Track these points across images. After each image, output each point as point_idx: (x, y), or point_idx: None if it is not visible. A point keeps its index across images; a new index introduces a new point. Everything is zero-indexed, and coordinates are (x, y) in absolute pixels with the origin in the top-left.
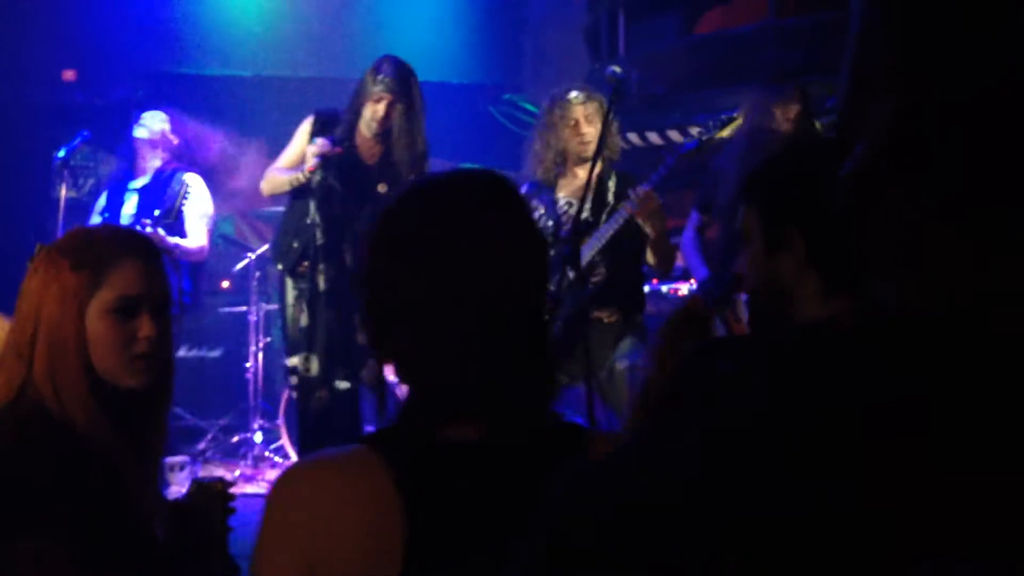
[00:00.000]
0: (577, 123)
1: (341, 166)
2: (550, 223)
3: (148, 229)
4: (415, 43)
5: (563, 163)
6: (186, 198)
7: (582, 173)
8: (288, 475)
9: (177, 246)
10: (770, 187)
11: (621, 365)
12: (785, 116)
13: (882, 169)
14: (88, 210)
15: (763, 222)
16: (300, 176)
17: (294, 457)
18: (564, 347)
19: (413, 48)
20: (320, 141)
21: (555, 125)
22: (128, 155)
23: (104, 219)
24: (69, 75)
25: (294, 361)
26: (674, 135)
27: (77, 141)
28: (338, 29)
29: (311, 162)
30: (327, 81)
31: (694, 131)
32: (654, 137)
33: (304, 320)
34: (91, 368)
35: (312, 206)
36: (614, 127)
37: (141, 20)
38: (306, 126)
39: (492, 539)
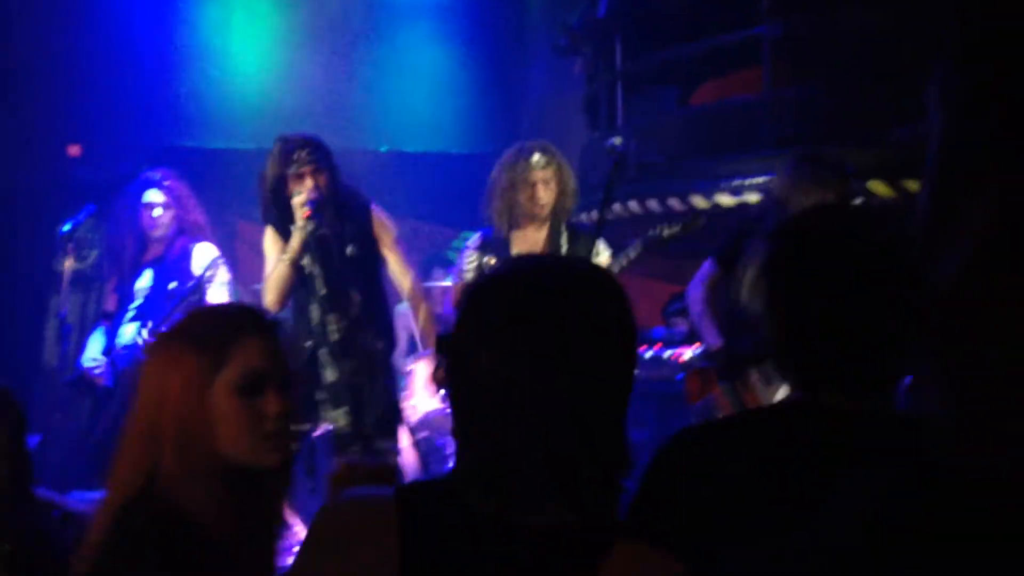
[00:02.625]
0: (535, 185)
1: (338, 213)
2: None
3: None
4: (416, 115)
5: (517, 218)
6: (211, 281)
7: (532, 231)
8: (323, 512)
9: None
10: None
11: None
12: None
13: (987, 269)
14: (91, 281)
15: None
16: (296, 232)
17: None
18: None
19: (414, 119)
20: (305, 192)
21: (513, 184)
22: (134, 229)
23: (119, 295)
24: (74, 150)
25: (333, 416)
26: (674, 203)
27: (82, 215)
28: (340, 102)
29: (304, 209)
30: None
31: (663, 230)
32: (654, 205)
33: (331, 375)
34: (217, 452)
35: (308, 259)
36: (570, 186)
37: (145, 95)
38: (269, 233)
39: None
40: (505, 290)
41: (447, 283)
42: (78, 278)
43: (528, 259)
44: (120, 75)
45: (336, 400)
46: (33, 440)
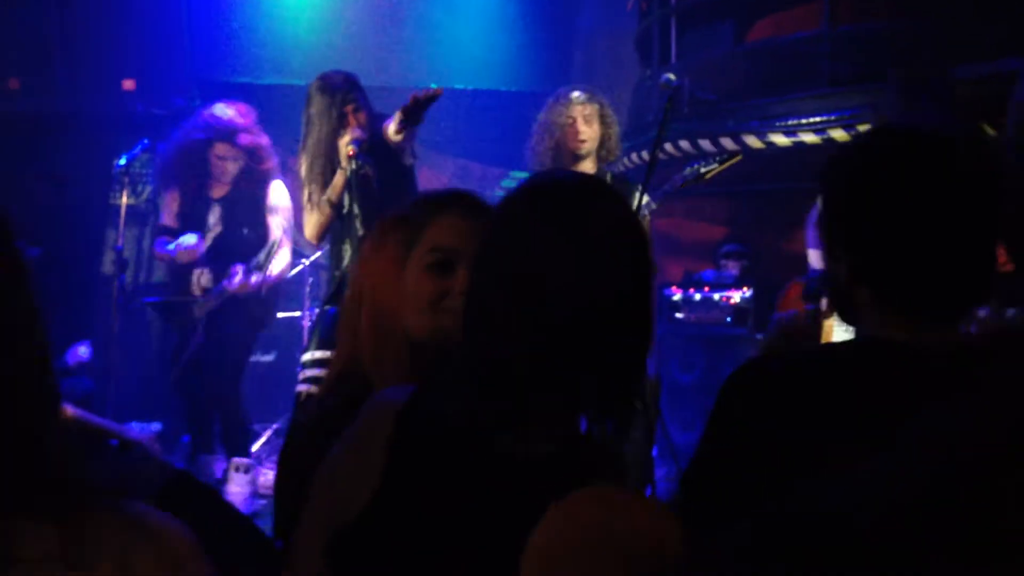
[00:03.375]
0: (574, 121)
1: (374, 153)
2: None
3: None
4: (466, 51)
5: (559, 158)
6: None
7: (577, 170)
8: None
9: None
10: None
11: None
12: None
13: None
14: (145, 216)
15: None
16: (340, 172)
17: None
18: None
19: (463, 56)
20: (348, 133)
21: (554, 122)
22: (197, 163)
23: (181, 232)
24: (129, 84)
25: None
26: (727, 143)
27: (137, 149)
28: (390, 38)
29: (349, 148)
30: (379, 90)
31: (700, 168)
32: (706, 145)
33: None
34: (405, 329)
35: (347, 198)
36: (613, 129)
37: (198, 31)
38: (303, 165)
39: (452, 532)
40: (528, 196)
41: None
42: (133, 212)
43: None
44: (173, 10)
45: None
46: (87, 382)
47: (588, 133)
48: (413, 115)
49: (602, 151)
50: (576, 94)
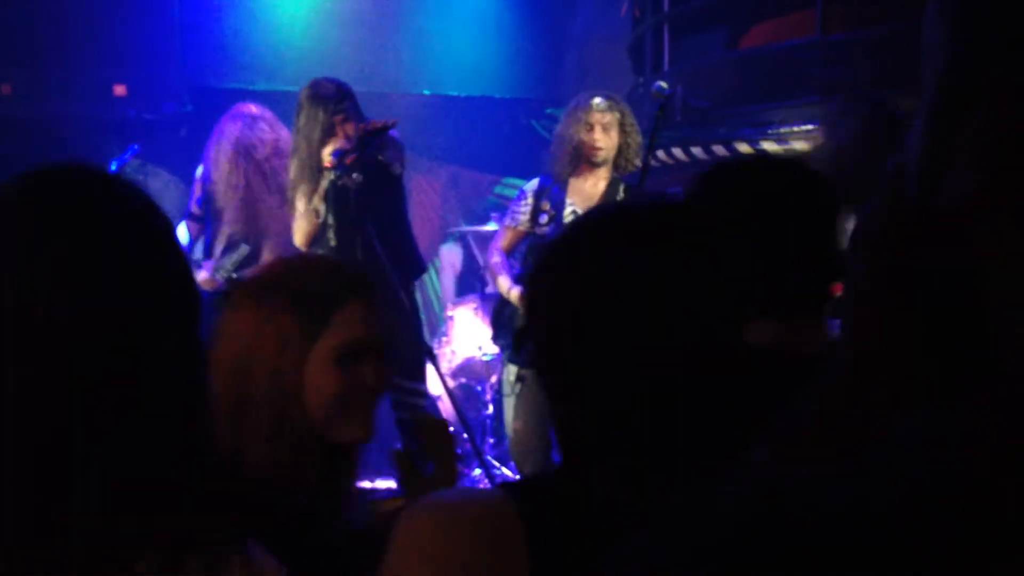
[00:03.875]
0: (592, 128)
1: (356, 166)
2: (556, 231)
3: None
4: (458, 58)
5: (576, 164)
6: None
7: (591, 179)
8: (419, 519)
9: None
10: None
11: None
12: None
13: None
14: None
15: None
16: (322, 181)
17: None
18: None
19: (456, 62)
20: (332, 143)
21: (573, 128)
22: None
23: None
24: (120, 90)
25: None
26: (719, 150)
27: (128, 155)
28: (383, 45)
29: (327, 160)
30: (372, 96)
31: None
32: (698, 152)
33: None
34: (307, 419)
35: (325, 208)
36: (633, 139)
37: (190, 36)
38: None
39: None
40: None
41: (492, 227)
42: None
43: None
44: (165, 16)
45: None
46: None
47: (605, 142)
48: (362, 144)
49: (620, 160)
50: (597, 101)
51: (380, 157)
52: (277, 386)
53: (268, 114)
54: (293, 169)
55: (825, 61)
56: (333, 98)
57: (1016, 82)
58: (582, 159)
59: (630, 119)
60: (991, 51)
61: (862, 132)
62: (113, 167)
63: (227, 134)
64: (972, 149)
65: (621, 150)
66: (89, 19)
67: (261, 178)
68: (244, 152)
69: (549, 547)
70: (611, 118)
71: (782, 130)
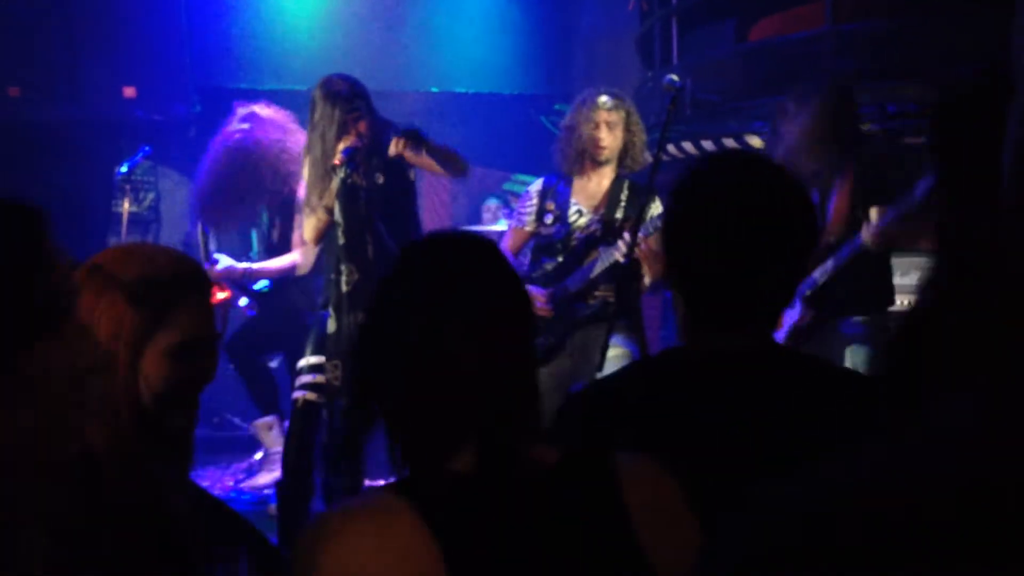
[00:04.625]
0: (597, 126)
1: (378, 163)
2: (561, 230)
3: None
4: (466, 55)
5: (581, 161)
6: None
7: (595, 178)
8: (321, 531)
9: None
10: None
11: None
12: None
13: None
14: (148, 223)
15: None
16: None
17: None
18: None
19: (464, 60)
20: (343, 142)
21: (578, 125)
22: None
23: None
24: (129, 92)
25: (312, 361)
26: (729, 143)
27: (139, 156)
28: (390, 42)
29: (337, 157)
30: (380, 94)
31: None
32: (709, 146)
33: (332, 326)
34: (137, 406)
35: (336, 207)
36: (639, 137)
37: (198, 37)
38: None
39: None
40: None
41: (501, 227)
42: (135, 220)
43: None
44: (174, 18)
45: (330, 352)
46: None
47: (609, 141)
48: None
49: (626, 159)
50: (603, 99)
51: (396, 159)
52: (110, 368)
53: (280, 115)
54: (307, 167)
55: (835, 52)
56: (346, 96)
57: None
58: (587, 157)
59: (635, 117)
60: None
61: (822, 116)
62: (124, 168)
63: (223, 136)
64: None
65: (626, 148)
66: (98, 21)
67: (248, 176)
68: (233, 151)
69: (452, 530)
70: (616, 116)
71: None
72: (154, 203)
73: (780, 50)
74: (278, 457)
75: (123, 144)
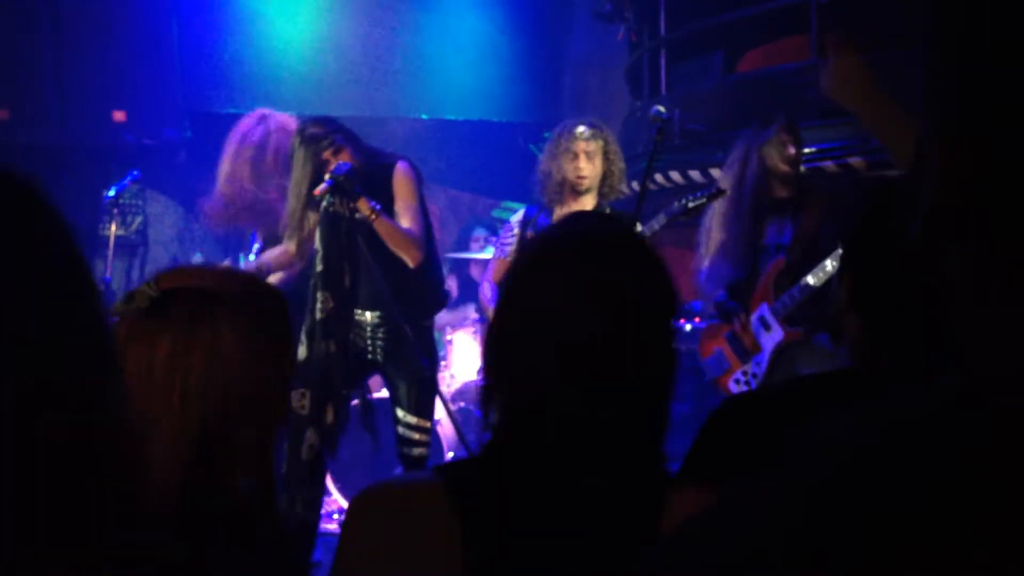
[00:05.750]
0: (577, 157)
1: (351, 192)
2: None
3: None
4: (456, 83)
5: (561, 192)
6: None
7: (576, 207)
8: (354, 505)
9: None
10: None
11: None
12: (783, 159)
13: (937, 230)
14: (135, 247)
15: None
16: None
17: None
18: None
19: (454, 87)
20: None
21: (557, 154)
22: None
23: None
24: (119, 116)
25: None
26: (716, 173)
27: (127, 180)
28: (381, 69)
29: (322, 186)
30: (370, 120)
31: (687, 202)
32: (696, 175)
33: (302, 352)
34: None
35: (316, 235)
36: (617, 166)
37: (189, 62)
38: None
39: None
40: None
41: (487, 255)
42: (122, 243)
43: (574, 222)
44: (164, 42)
45: (298, 379)
46: None
47: (589, 170)
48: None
49: (604, 187)
50: (580, 129)
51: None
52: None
53: (278, 116)
54: (288, 203)
55: (819, 84)
56: (319, 137)
57: (959, 144)
58: (567, 187)
59: (614, 146)
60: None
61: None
62: (112, 192)
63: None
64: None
65: (605, 177)
66: (88, 45)
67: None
68: (243, 153)
69: (476, 514)
70: (595, 146)
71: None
72: (142, 227)
73: (766, 82)
74: None
75: (112, 168)
